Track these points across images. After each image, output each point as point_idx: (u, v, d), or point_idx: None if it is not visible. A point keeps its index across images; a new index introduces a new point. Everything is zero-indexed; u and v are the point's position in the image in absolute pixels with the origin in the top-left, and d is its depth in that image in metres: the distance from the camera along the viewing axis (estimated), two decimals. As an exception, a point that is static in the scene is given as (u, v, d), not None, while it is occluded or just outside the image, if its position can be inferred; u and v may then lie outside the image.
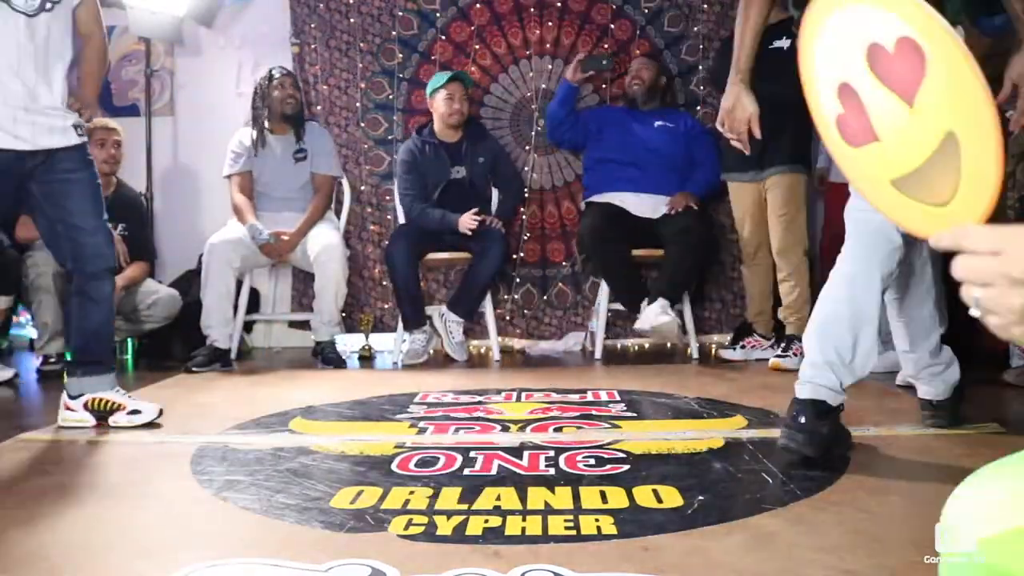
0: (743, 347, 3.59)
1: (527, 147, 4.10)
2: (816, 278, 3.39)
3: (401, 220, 3.85)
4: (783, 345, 3.33)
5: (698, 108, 4.09)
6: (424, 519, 1.46)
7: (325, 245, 3.51)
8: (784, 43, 3.28)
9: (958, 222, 0.64)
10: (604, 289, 3.74)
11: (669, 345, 4.02)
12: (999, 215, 0.63)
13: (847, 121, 0.72)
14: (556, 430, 2.21)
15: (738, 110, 2.03)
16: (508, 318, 4.08)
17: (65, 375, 2.38)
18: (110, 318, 2.40)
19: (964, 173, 0.64)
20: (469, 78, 3.84)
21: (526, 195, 4.05)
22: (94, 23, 2.39)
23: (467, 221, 3.55)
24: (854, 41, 0.70)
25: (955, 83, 0.63)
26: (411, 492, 1.63)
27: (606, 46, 4.09)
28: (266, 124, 3.70)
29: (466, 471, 1.78)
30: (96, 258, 2.30)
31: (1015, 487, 0.64)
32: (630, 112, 3.84)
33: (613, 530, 1.38)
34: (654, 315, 3.38)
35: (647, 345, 4.06)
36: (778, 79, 3.29)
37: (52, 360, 3.36)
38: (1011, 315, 0.60)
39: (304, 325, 3.93)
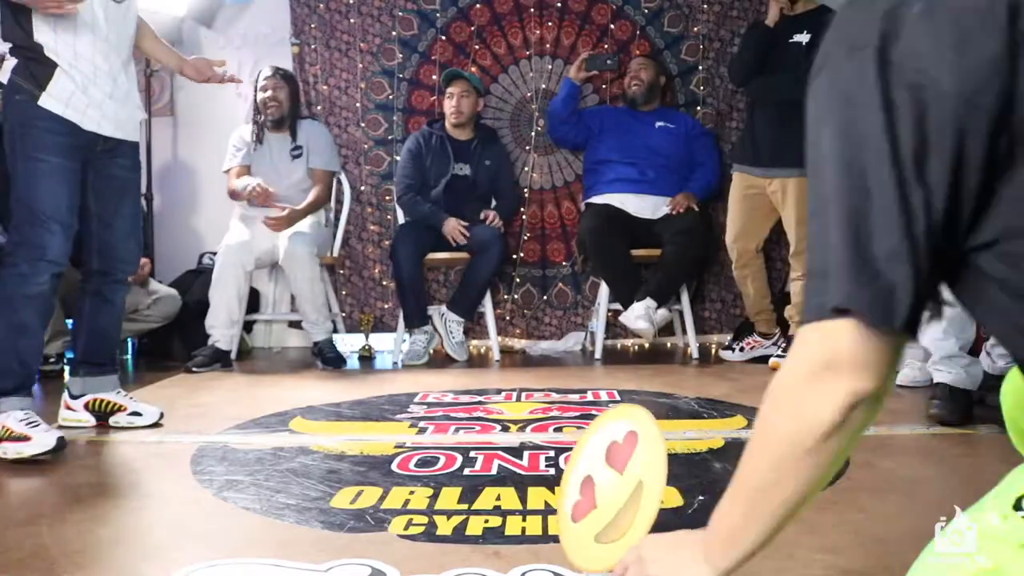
0: (743, 349, 3.58)
1: (527, 147, 4.10)
2: None
3: (401, 219, 3.85)
4: (784, 345, 3.33)
5: (698, 108, 4.09)
6: (424, 519, 1.46)
7: (287, 251, 3.47)
8: (804, 37, 3.25)
9: (629, 546, 0.88)
10: (604, 289, 3.74)
11: (669, 345, 4.02)
12: None
13: (580, 504, 0.99)
14: (556, 430, 2.21)
15: None
16: (508, 318, 4.08)
17: (66, 375, 2.37)
18: (119, 321, 2.40)
19: (641, 508, 0.91)
20: (473, 77, 3.84)
21: (523, 204, 4.05)
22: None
23: (453, 230, 3.55)
24: (600, 445, 0.99)
25: (650, 448, 0.93)
26: (411, 492, 1.63)
27: (606, 46, 4.09)
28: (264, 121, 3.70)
29: (466, 471, 1.78)
30: (123, 263, 2.30)
31: None
32: (630, 112, 3.84)
33: (613, 530, 1.38)
34: (634, 316, 3.40)
35: (647, 345, 4.06)
36: (795, 74, 3.27)
37: (52, 360, 3.36)
38: None
39: (304, 325, 3.93)
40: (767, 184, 3.34)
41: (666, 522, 1.42)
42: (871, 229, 0.61)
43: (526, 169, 4.09)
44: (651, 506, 0.89)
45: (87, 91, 2.11)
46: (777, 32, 3.30)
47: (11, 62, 2.10)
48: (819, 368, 0.67)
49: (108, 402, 2.31)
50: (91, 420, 2.30)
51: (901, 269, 0.61)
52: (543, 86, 4.08)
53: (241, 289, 3.49)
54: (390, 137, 4.09)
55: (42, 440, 1.92)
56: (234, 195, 3.64)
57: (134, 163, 2.30)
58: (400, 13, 4.08)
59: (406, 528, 1.41)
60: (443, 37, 4.09)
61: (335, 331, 3.76)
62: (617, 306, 3.67)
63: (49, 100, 2.06)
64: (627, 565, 0.86)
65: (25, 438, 1.92)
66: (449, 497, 1.59)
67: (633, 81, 3.80)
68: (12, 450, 1.92)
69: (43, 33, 2.07)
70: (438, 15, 4.09)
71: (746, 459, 0.80)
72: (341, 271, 4.07)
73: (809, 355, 0.68)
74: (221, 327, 3.44)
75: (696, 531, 0.82)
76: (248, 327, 4.03)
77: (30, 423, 1.95)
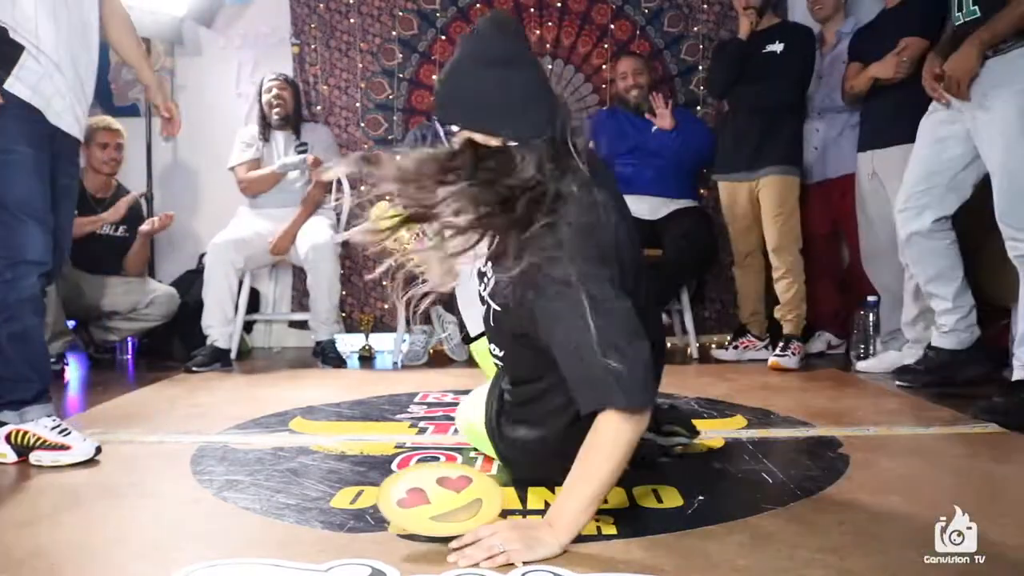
0: (736, 347, 3.59)
1: (527, 147, 4.10)
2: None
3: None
4: (781, 344, 3.33)
5: (698, 108, 4.09)
6: (424, 519, 1.45)
7: (314, 244, 3.50)
8: (777, 47, 3.39)
9: (469, 528, 1.30)
10: (604, 289, 3.73)
11: (669, 345, 4.02)
12: None
13: (405, 500, 1.36)
14: (556, 430, 2.20)
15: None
16: (508, 318, 4.08)
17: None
18: None
19: (480, 514, 1.34)
20: None
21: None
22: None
23: None
24: (430, 476, 1.44)
25: (485, 486, 1.42)
26: (411, 492, 1.63)
27: (605, 46, 4.09)
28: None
29: (466, 471, 1.78)
30: (58, 267, 2.09)
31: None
32: (626, 114, 3.80)
33: (613, 530, 1.38)
34: None
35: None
36: (772, 82, 3.36)
37: (52, 360, 3.35)
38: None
39: (304, 325, 3.93)
40: (752, 186, 3.46)
41: (666, 522, 1.43)
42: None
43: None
44: (490, 515, 1.35)
45: (52, 78, 1.92)
46: (750, 45, 3.42)
47: None
48: (627, 418, 1.26)
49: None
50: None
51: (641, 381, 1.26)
52: (543, 86, 4.07)
53: (232, 286, 3.48)
54: (390, 137, 4.09)
55: (82, 449, 1.87)
56: (253, 183, 3.64)
57: (78, 163, 2.12)
58: (400, 13, 4.09)
59: (406, 528, 1.41)
60: (443, 37, 4.10)
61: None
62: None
63: (17, 85, 1.85)
64: (479, 534, 1.27)
65: (63, 447, 1.86)
66: (449, 497, 1.59)
67: (633, 88, 3.75)
68: (48, 459, 1.86)
69: (3, 11, 1.84)
70: (438, 15, 4.10)
71: (597, 473, 1.27)
72: (341, 271, 4.06)
73: (621, 416, 1.26)
74: (217, 325, 3.43)
75: (534, 519, 1.37)
76: (248, 327, 4.03)
77: (62, 431, 1.89)
